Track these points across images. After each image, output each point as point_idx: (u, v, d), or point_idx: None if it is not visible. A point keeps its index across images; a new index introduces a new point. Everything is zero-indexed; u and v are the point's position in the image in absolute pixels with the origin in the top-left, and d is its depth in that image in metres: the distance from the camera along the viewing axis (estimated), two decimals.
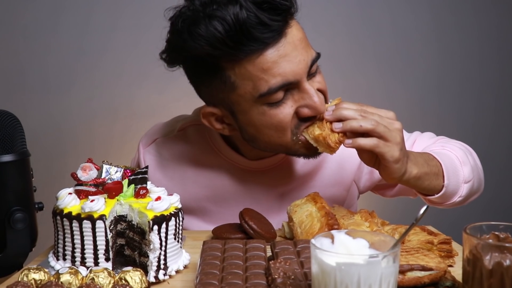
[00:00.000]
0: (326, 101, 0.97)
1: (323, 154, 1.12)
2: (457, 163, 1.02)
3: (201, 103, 1.04)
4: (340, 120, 0.90)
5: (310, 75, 0.93)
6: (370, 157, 0.92)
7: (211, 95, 0.96)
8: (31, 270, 0.74)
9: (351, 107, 0.90)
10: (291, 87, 0.90)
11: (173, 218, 0.82)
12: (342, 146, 0.91)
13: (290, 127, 0.93)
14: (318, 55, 0.94)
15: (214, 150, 1.12)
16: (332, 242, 0.61)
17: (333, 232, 0.63)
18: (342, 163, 1.14)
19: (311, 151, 0.97)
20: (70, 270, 0.74)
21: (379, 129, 0.87)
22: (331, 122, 0.91)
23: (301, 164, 1.12)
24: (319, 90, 0.94)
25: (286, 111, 0.91)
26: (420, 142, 1.14)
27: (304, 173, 1.13)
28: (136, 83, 2.18)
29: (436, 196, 0.99)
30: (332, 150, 0.91)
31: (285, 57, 0.88)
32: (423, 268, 0.74)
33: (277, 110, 0.91)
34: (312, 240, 0.60)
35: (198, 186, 1.13)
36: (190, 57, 0.90)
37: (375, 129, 0.87)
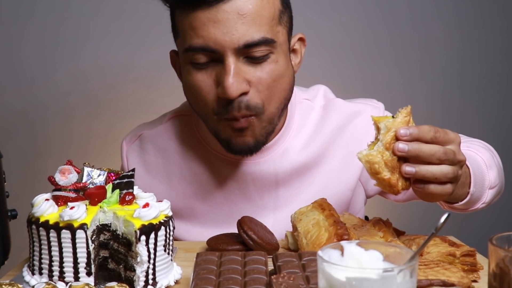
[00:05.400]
0: (258, 100, 0.99)
1: (322, 148, 1.13)
2: (484, 167, 1.03)
3: None
4: (413, 156, 0.82)
5: (250, 58, 0.98)
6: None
7: (175, 41, 1.08)
8: (3, 286, 0.74)
9: (429, 141, 0.82)
10: (216, 58, 0.98)
11: (162, 227, 0.82)
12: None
13: (210, 101, 1.00)
14: (263, 41, 0.96)
15: (201, 142, 1.16)
16: (342, 254, 0.62)
17: (343, 243, 0.63)
18: (346, 159, 1.14)
19: (236, 143, 1.03)
20: (47, 286, 0.74)
21: (455, 173, 0.85)
22: (400, 159, 0.82)
23: (299, 156, 1.13)
24: (251, 82, 0.98)
25: (206, 79, 1.00)
26: None
27: (302, 167, 1.14)
28: (121, 75, 2.18)
29: (460, 203, 1.00)
30: (395, 192, 0.84)
31: (214, 23, 0.95)
32: (444, 284, 0.74)
33: (198, 74, 1.00)
34: (319, 252, 0.60)
35: (185, 181, 1.16)
36: None
37: (453, 175, 0.85)
